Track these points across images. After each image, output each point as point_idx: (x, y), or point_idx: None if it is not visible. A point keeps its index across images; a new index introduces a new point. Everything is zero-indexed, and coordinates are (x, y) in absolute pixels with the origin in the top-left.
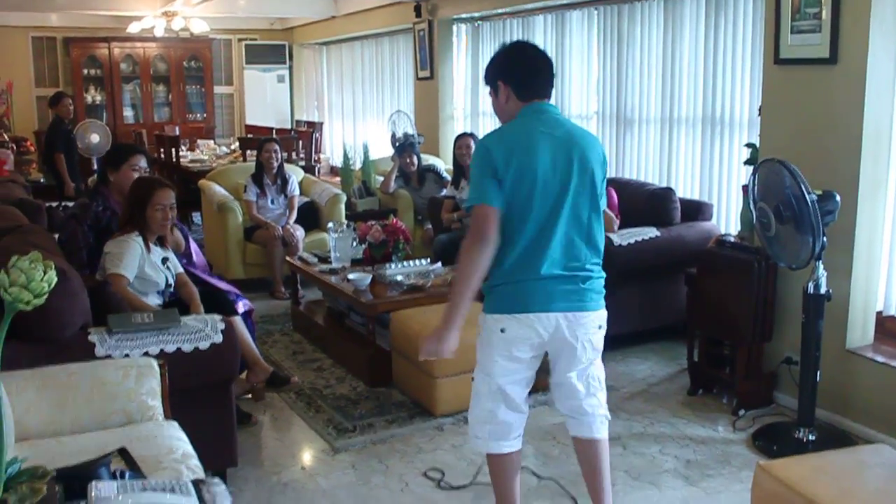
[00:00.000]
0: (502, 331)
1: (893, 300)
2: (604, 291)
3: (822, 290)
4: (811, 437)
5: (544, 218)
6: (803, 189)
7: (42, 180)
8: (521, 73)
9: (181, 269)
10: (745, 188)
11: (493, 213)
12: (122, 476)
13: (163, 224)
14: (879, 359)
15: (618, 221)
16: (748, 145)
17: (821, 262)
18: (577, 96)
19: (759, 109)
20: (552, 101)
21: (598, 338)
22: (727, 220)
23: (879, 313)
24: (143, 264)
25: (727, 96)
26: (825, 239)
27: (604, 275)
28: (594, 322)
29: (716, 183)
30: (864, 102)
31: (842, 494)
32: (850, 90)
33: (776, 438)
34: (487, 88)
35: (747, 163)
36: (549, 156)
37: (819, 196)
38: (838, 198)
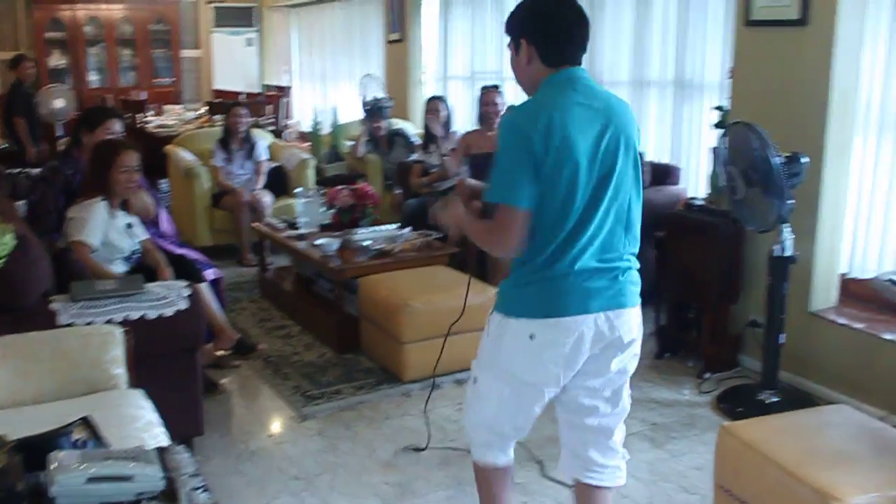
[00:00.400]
0: (531, 337)
1: (857, 263)
2: (640, 284)
3: (788, 253)
4: (774, 399)
5: (584, 207)
6: (770, 152)
7: (5, 146)
8: (551, 33)
9: (146, 236)
10: (713, 151)
11: (521, 217)
12: (84, 445)
13: (128, 187)
14: (841, 321)
15: None
16: (717, 108)
17: (787, 224)
18: None
19: (730, 72)
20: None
21: (639, 339)
22: (696, 184)
23: (843, 275)
24: (107, 230)
25: (697, 59)
26: (792, 202)
27: (638, 265)
28: (634, 319)
29: (684, 146)
30: (831, 65)
31: (803, 454)
32: (819, 52)
33: (740, 401)
34: (507, 40)
35: (716, 126)
36: (592, 134)
37: (786, 158)
38: (804, 160)
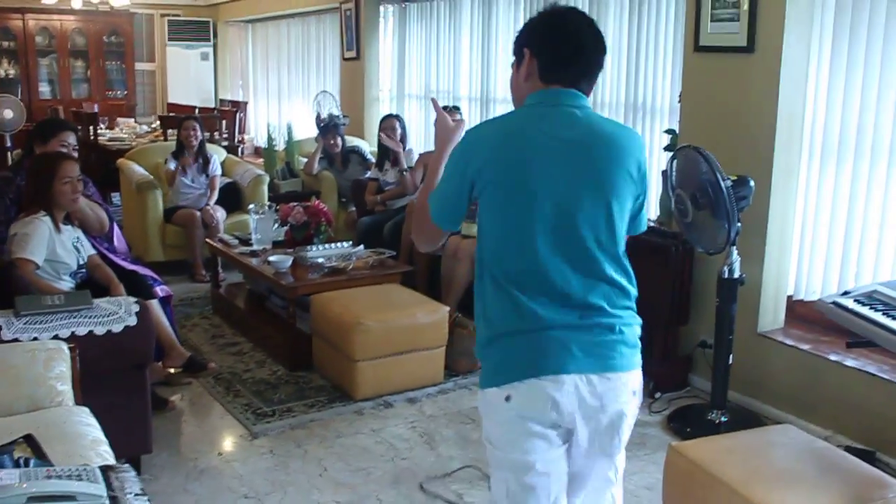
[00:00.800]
0: (507, 399)
1: (803, 285)
2: (639, 345)
3: (736, 275)
4: (723, 419)
5: (546, 249)
6: (718, 175)
7: None
8: (558, 47)
9: (93, 251)
10: (664, 174)
11: (433, 230)
12: (27, 464)
13: (72, 198)
14: (789, 342)
15: None
16: (668, 131)
17: (735, 247)
18: (502, 79)
19: (679, 96)
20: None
21: (633, 409)
22: (646, 206)
23: (790, 297)
24: (52, 245)
25: (649, 83)
26: (740, 224)
27: (639, 321)
28: (627, 386)
29: None
30: (778, 90)
31: (749, 473)
32: (765, 78)
33: (690, 420)
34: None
35: (667, 149)
36: (549, 165)
37: (734, 181)
38: (752, 183)
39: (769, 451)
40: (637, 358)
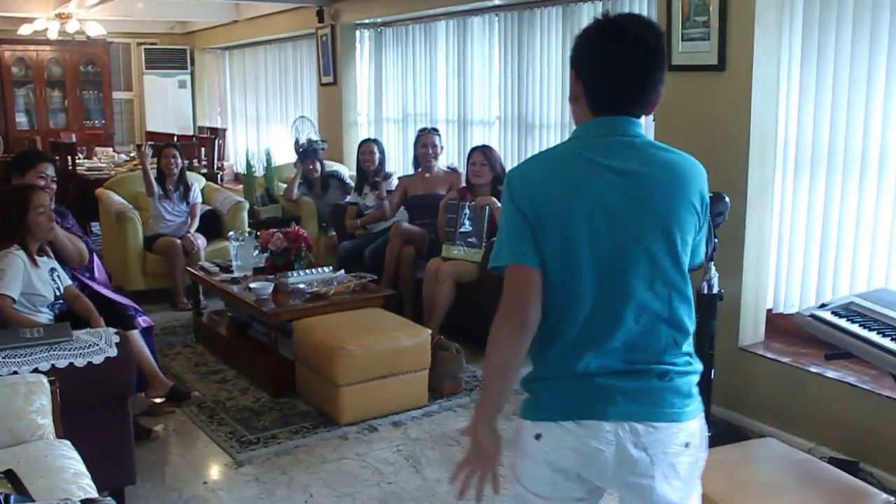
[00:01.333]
0: (537, 437)
1: (782, 298)
2: (695, 395)
3: (715, 291)
4: (707, 434)
5: (593, 290)
6: None
7: None
8: (602, 72)
9: (70, 282)
10: None
11: (533, 276)
12: (7, 500)
13: (48, 228)
14: (769, 355)
15: None
16: None
17: (713, 263)
18: (479, 102)
19: (654, 115)
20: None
21: (685, 462)
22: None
23: (770, 311)
24: (28, 279)
25: None
26: (716, 240)
27: (698, 368)
28: (677, 437)
29: None
30: (750, 107)
31: (733, 487)
32: (737, 96)
33: None
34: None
35: None
36: (604, 200)
37: (710, 198)
38: (727, 199)
39: (752, 464)
40: (692, 408)
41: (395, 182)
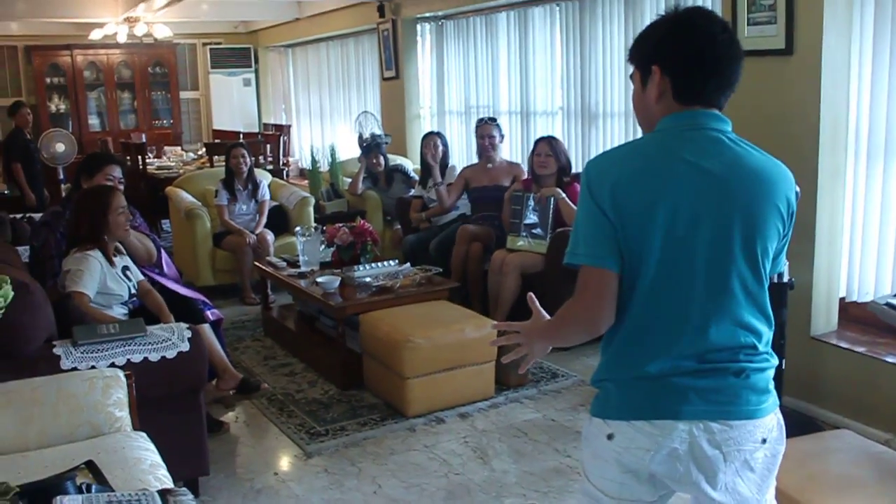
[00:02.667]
0: (609, 437)
1: (855, 286)
2: (771, 390)
3: (786, 279)
4: (784, 427)
5: (670, 293)
6: None
7: (6, 192)
8: (695, 60)
9: (142, 277)
10: None
11: (609, 279)
12: (89, 489)
13: (126, 228)
14: (843, 345)
15: None
16: None
17: None
18: (541, 92)
19: None
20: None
21: (761, 457)
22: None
23: (842, 299)
24: (104, 279)
25: None
26: None
27: (774, 363)
28: (753, 434)
29: None
30: (820, 92)
31: (806, 480)
32: (806, 80)
33: None
34: (630, 69)
35: None
36: (689, 200)
37: None
38: (798, 189)
39: (826, 456)
40: (768, 403)
41: (456, 172)
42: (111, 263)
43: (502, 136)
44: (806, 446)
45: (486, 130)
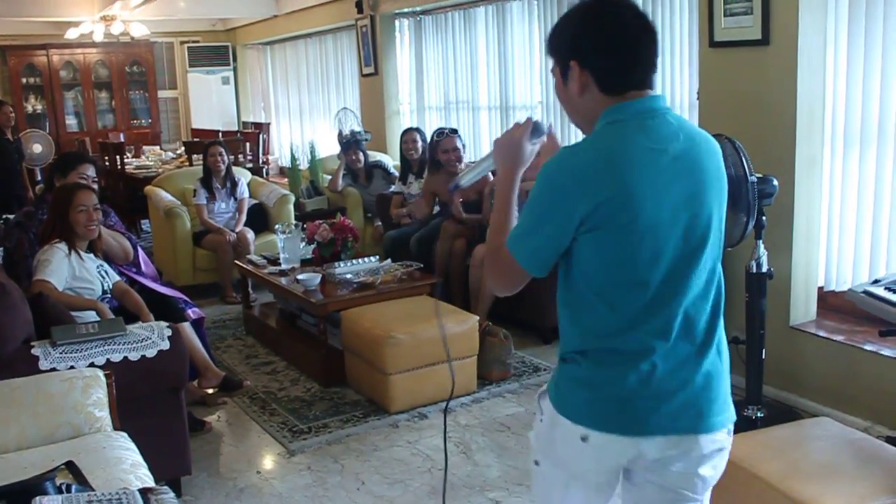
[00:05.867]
0: (584, 439)
1: (833, 275)
2: (730, 402)
3: (764, 269)
4: (759, 415)
5: (661, 290)
6: (746, 168)
7: None
8: (612, 51)
9: (118, 278)
10: None
11: (523, 275)
12: (69, 490)
13: (88, 226)
14: (822, 334)
15: None
16: None
17: (761, 241)
18: (521, 86)
19: (697, 93)
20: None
21: (717, 462)
22: None
23: (821, 289)
24: (74, 271)
25: (667, 81)
26: (764, 219)
27: (728, 368)
28: (713, 444)
29: None
30: (796, 81)
31: (787, 468)
32: (782, 71)
33: None
34: (550, 63)
35: None
36: (669, 191)
37: (757, 179)
38: (776, 182)
39: (807, 444)
40: (727, 416)
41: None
42: (80, 257)
43: (464, 146)
44: (785, 434)
45: (449, 144)
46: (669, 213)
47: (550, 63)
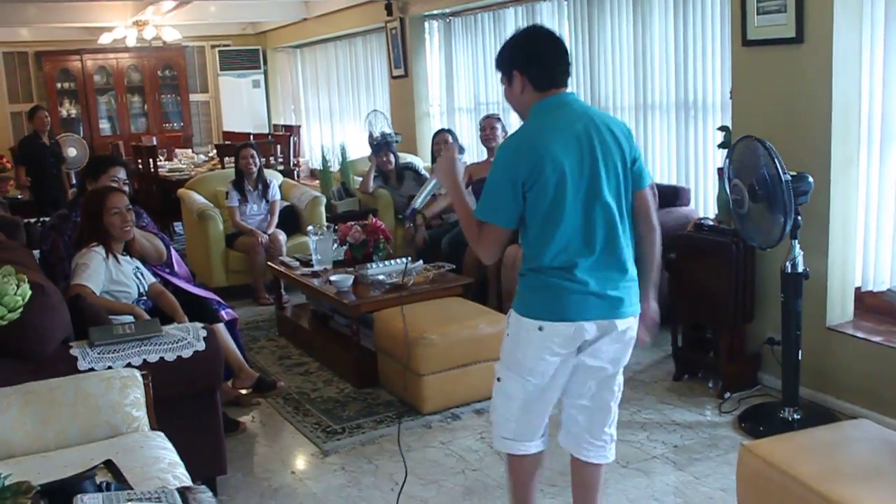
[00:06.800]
0: (540, 329)
1: (871, 275)
2: (637, 289)
3: (800, 269)
4: (796, 416)
5: (579, 222)
6: (779, 168)
7: (20, 196)
8: (539, 62)
9: (154, 280)
10: (720, 171)
11: (501, 234)
12: (108, 488)
13: (123, 229)
14: (859, 334)
15: None
16: (721, 128)
17: (797, 241)
18: None
19: (731, 92)
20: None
21: (628, 337)
22: (704, 204)
23: (858, 289)
24: (111, 275)
25: (699, 80)
26: (800, 218)
27: (636, 276)
28: (625, 325)
29: (692, 167)
30: (831, 80)
31: (825, 471)
32: (817, 69)
33: (762, 419)
34: (499, 75)
35: (721, 146)
36: (576, 155)
37: (792, 177)
38: (811, 179)
39: (845, 446)
40: (633, 307)
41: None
42: (117, 261)
43: (505, 130)
44: (823, 436)
45: (487, 123)
46: (574, 162)
47: (499, 75)
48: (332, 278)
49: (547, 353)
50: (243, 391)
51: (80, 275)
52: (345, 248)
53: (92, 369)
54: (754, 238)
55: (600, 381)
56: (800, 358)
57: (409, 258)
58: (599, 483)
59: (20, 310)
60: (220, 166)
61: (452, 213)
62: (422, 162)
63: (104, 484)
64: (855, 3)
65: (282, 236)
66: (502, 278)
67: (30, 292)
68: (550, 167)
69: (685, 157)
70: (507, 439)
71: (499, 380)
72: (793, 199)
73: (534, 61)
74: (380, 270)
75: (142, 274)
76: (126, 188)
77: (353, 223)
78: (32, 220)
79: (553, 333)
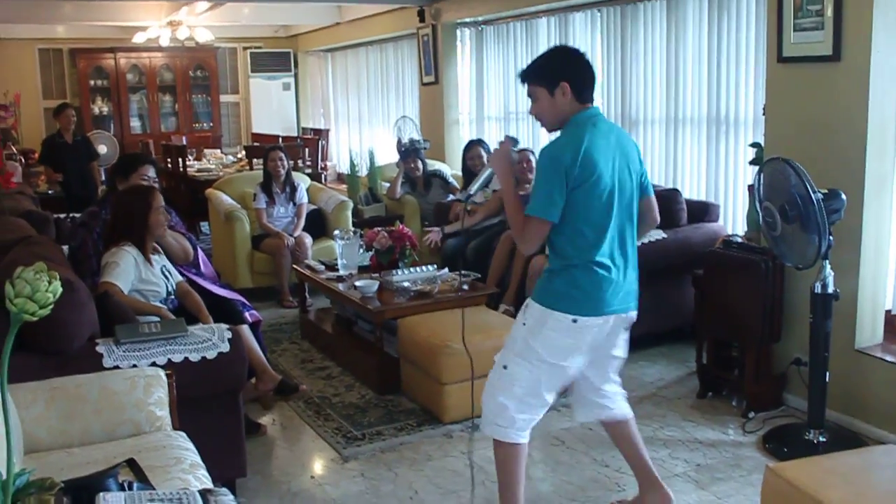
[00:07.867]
0: (574, 321)
1: None
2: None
3: (830, 290)
4: (822, 439)
5: (616, 222)
6: (808, 188)
7: (50, 192)
8: (584, 75)
9: (181, 278)
10: (750, 188)
11: (547, 228)
12: (130, 487)
13: (165, 226)
14: (889, 358)
15: None
16: (753, 145)
17: (827, 261)
18: None
19: (764, 109)
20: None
21: (628, 332)
22: (734, 221)
23: (888, 312)
24: (141, 273)
25: (731, 96)
26: (832, 238)
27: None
28: (631, 319)
29: (722, 183)
30: (868, 99)
31: (852, 497)
32: (853, 87)
33: (787, 440)
34: (526, 87)
35: (752, 162)
36: (611, 161)
37: (824, 195)
38: (844, 196)
39: (873, 472)
40: (635, 303)
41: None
42: (148, 260)
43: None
44: (852, 461)
45: (524, 156)
46: (610, 167)
47: (527, 88)
48: (357, 283)
49: (574, 346)
50: (266, 393)
51: (109, 273)
52: (371, 253)
53: (117, 367)
54: (789, 258)
55: (613, 365)
56: (827, 380)
57: (435, 266)
58: (635, 431)
59: (51, 306)
60: (248, 168)
61: (479, 222)
62: (450, 169)
63: (126, 483)
64: (893, 22)
65: (308, 239)
66: (527, 288)
67: (60, 289)
68: (598, 170)
69: (715, 172)
70: (500, 426)
71: (505, 367)
72: (825, 217)
73: (579, 74)
74: (405, 277)
75: (168, 272)
76: (155, 186)
77: (379, 229)
78: (62, 216)
79: (587, 326)
